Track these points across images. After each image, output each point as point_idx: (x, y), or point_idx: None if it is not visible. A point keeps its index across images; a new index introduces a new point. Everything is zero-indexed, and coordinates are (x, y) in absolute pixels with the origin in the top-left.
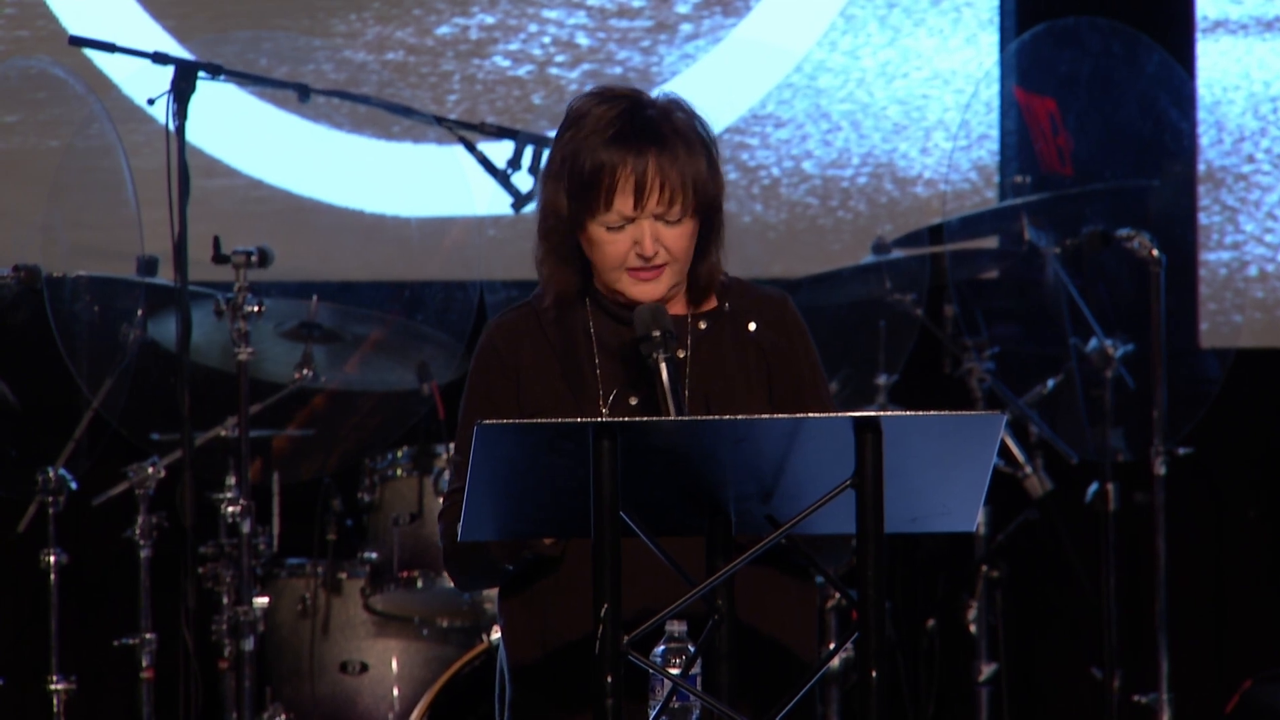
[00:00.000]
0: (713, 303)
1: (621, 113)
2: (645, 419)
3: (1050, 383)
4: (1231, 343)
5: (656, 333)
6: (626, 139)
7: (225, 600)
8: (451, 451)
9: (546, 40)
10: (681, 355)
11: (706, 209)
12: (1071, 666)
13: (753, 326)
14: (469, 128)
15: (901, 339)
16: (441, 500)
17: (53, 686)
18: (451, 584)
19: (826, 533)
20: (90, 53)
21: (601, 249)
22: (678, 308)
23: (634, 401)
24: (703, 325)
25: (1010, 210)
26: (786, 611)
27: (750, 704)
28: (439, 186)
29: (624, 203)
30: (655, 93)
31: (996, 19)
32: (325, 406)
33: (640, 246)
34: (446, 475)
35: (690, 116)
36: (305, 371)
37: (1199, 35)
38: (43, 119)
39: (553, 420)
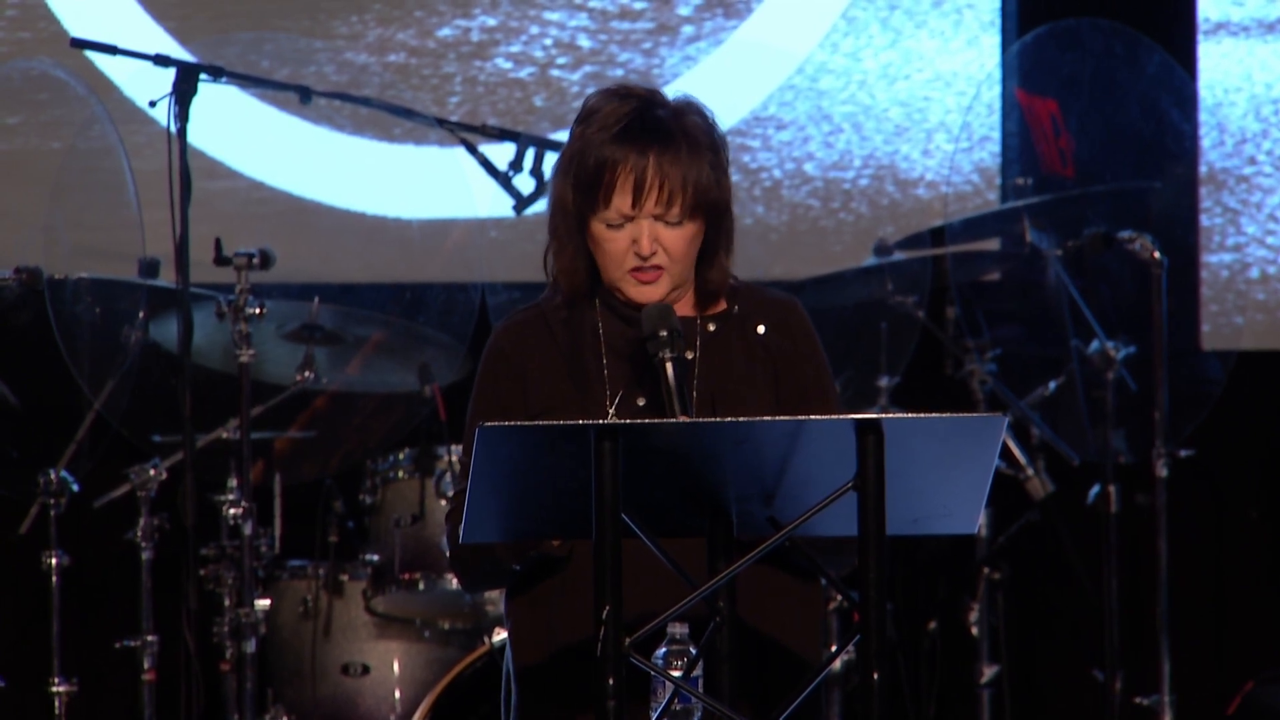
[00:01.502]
0: (721, 305)
1: (631, 110)
2: (645, 420)
3: (1052, 384)
4: (1233, 344)
5: (664, 332)
6: (631, 136)
7: (227, 602)
8: (454, 453)
9: (548, 42)
10: (690, 356)
11: (711, 213)
12: (1073, 668)
13: (761, 329)
14: (470, 130)
15: (903, 341)
16: (444, 503)
17: (54, 688)
18: (453, 585)
19: (828, 535)
20: (92, 54)
21: (602, 247)
22: (686, 309)
23: (641, 402)
24: (711, 327)
25: (1012, 212)
26: (789, 613)
27: (753, 706)
28: (440, 188)
29: (622, 201)
30: (671, 94)
31: (998, 21)
32: (327, 408)
33: (638, 246)
34: (448, 477)
35: (704, 120)
36: (307, 373)
37: (1200, 37)
38: (44, 120)
39: (553, 423)
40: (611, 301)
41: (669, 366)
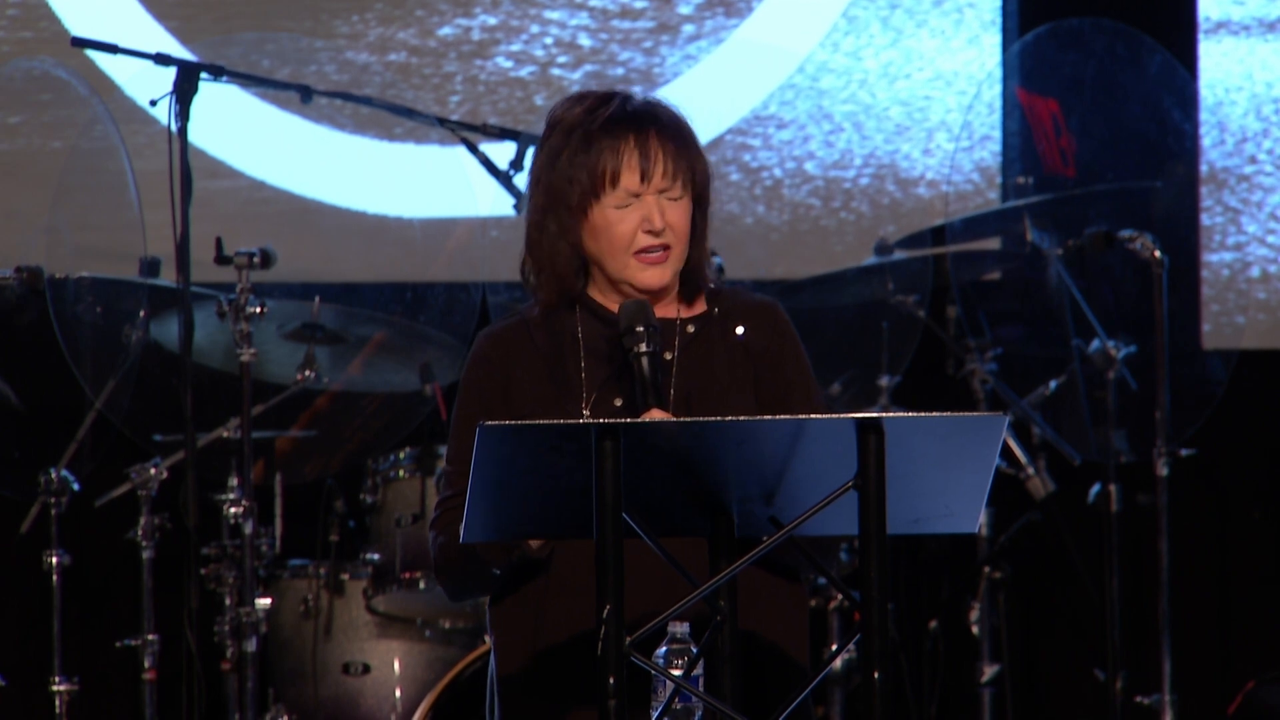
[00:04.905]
0: (701, 306)
1: (615, 101)
2: (650, 420)
3: (1053, 384)
4: (1234, 344)
5: (640, 327)
6: (628, 119)
7: (228, 601)
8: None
9: (549, 41)
10: (669, 357)
11: (700, 193)
12: (1074, 668)
13: (740, 330)
14: (471, 129)
15: (904, 340)
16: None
17: (55, 688)
18: None
19: (829, 534)
20: (93, 54)
21: (610, 231)
22: (667, 310)
23: (618, 402)
24: (691, 329)
25: (1013, 211)
26: (781, 614)
27: (748, 706)
28: (441, 188)
29: (630, 179)
30: (656, 94)
31: (999, 20)
32: (328, 408)
33: (649, 222)
34: None
35: (673, 110)
36: (308, 373)
37: (1201, 36)
38: (46, 120)
39: (554, 422)
40: (592, 306)
41: (643, 361)
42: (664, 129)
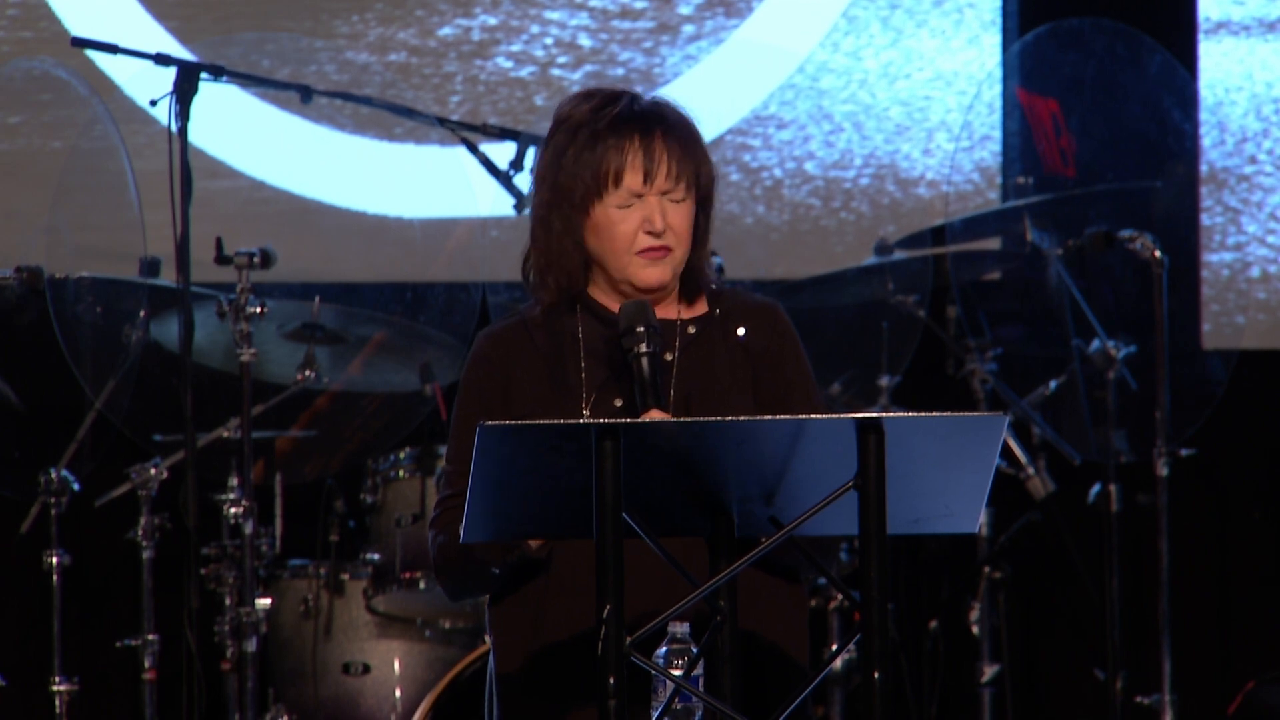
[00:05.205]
0: (703, 307)
1: (623, 100)
2: (650, 420)
3: (1053, 384)
4: (1234, 344)
5: (640, 328)
6: (632, 120)
7: (228, 601)
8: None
9: (549, 41)
10: (669, 358)
11: (702, 195)
12: (1074, 668)
13: (741, 332)
14: (471, 129)
15: (904, 340)
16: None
17: (55, 688)
18: None
19: (829, 534)
20: (93, 54)
21: (611, 230)
22: (668, 311)
23: (618, 403)
24: (691, 330)
25: (1013, 211)
26: (781, 614)
27: (749, 707)
28: (442, 188)
29: (634, 179)
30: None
31: (999, 20)
32: (328, 408)
33: (650, 223)
34: None
35: (681, 111)
36: (308, 373)
37: (1201, 36)
38: (46, 120)
39: (553, 422)
40: (593, 307)
41: (643, 362)
42: (670, 130)
